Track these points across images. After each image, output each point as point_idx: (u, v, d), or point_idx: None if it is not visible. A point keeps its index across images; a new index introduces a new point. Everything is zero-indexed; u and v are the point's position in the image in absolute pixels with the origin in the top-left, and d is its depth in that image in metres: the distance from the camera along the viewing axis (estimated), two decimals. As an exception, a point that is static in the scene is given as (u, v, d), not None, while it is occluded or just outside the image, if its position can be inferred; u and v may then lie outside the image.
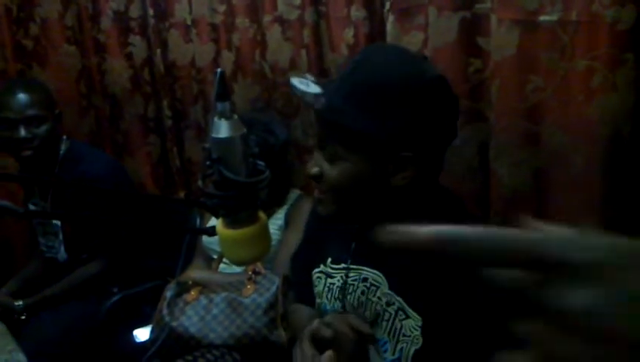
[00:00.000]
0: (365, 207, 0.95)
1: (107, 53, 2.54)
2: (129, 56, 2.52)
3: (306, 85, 0.88)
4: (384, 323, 0.94)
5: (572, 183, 1.27)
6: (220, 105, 0.79)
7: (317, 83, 0.90)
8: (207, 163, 0.82)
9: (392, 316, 0.93)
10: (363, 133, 0.86)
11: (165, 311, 1.61)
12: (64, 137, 2.01)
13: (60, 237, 2.00)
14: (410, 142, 0.87)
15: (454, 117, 0.93)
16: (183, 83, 2.46)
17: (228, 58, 2.17)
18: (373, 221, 0.95)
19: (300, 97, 0.90)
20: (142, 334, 1.69)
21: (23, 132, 1.84)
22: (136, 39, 2.50)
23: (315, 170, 0.95)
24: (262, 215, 0.86)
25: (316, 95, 0.87)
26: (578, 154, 1.25)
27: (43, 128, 1.87)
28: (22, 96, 1.85)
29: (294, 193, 1.87)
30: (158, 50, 2.43)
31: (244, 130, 0.80)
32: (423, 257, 0.92)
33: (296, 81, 0.90)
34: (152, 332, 1.62)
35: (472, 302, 0.84)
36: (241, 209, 0.82)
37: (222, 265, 1.84)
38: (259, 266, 1.68)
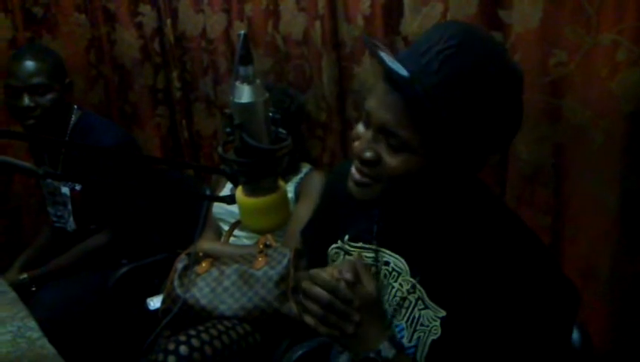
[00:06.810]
0: (413, 197, 0.89)
1: (117, 23, 2.51)
2: (139, 26, 2.50)
3: (394, 64, 0.80)
4: (403, 311, 0.93)
5: (592, 160, 1.25)
6: (242, 69, 0.76)
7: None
8: (228, 129, 0.80)
9: (412, 304, 0.92)
10: (454, 127, 0.78)
11: (176, 283, 1.61)
12: (75, 107, 1.98)
13: (69, 207, 1.99)
14: (492, 140, 0.84)
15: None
16: (193, 54, 2.44)
17: (240, 29, 2.14)
18: (400, 203, 0.93)
19: (387, 75, 0.81)
20: (154, 301, 1.70)
21: (26, 100, 1.81)
22: (146, 9, 2.47)
23: (370, 154, 0.85)
24: (282, 183, 0.85)
25: (407, 78, 0.79)
26: (599, 130, 1.23)
27: (47, 97, 1.84)
28: (28, 64, 1.82)
29: (305, 167, 1.86)
30: (169, 20, 2.41)
31: (267, 95, 0.78)
32: (449, 248, 0.89)
33: (385, 57, 0.81)
34: (163, 301, 1.62)
35: (499, 298, 0.83)
36: (263, 176, 0.80)
37: (232, 238, 1.83)
38: (270, 239, 1.67)
